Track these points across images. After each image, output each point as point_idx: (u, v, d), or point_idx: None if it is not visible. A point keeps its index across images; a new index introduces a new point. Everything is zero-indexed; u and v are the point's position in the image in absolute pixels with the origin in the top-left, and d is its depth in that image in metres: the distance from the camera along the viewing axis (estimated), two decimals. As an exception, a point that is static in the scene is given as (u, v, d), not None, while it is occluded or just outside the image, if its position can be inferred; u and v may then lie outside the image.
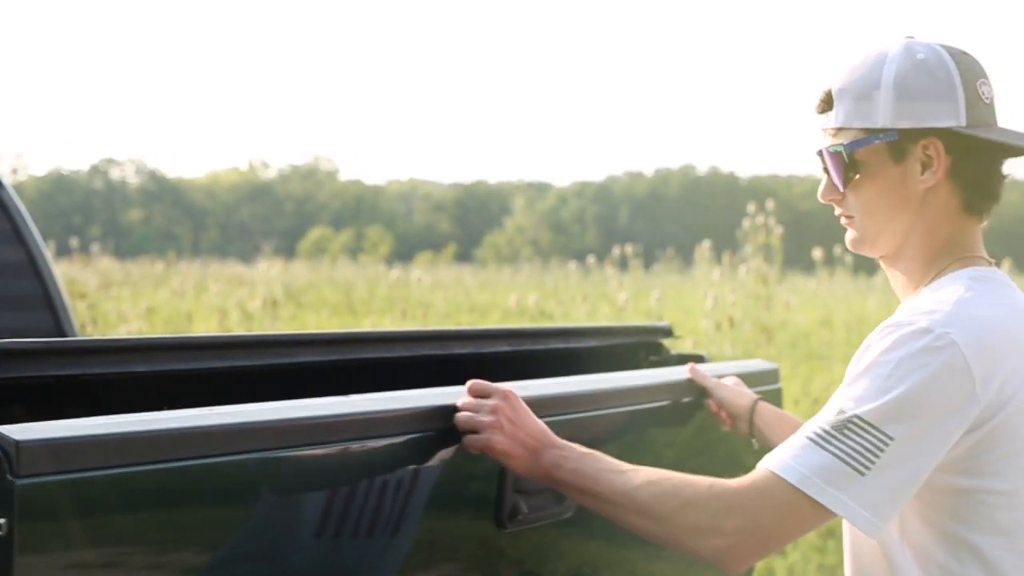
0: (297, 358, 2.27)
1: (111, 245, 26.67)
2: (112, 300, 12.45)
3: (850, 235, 2.04)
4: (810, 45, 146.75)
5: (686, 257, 20.19)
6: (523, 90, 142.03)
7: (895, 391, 1.78)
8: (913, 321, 1.84)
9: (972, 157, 1.96)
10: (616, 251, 9.38)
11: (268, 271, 18.45)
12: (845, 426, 1.79)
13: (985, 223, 2.03)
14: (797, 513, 1.80)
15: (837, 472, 1.77)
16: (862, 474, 1.77)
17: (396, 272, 14.49)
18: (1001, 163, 2.00)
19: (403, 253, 41.95)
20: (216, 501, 1.66)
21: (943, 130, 1.93)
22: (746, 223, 7.72)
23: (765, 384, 2.83)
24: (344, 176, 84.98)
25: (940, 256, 1.99)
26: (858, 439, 1.78)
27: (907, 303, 1.98)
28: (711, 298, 7.70)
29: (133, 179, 70.58)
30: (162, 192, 69.52)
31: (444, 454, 1.97)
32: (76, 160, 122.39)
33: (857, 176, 1.98)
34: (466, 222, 74.25)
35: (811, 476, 1.78)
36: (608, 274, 11.38)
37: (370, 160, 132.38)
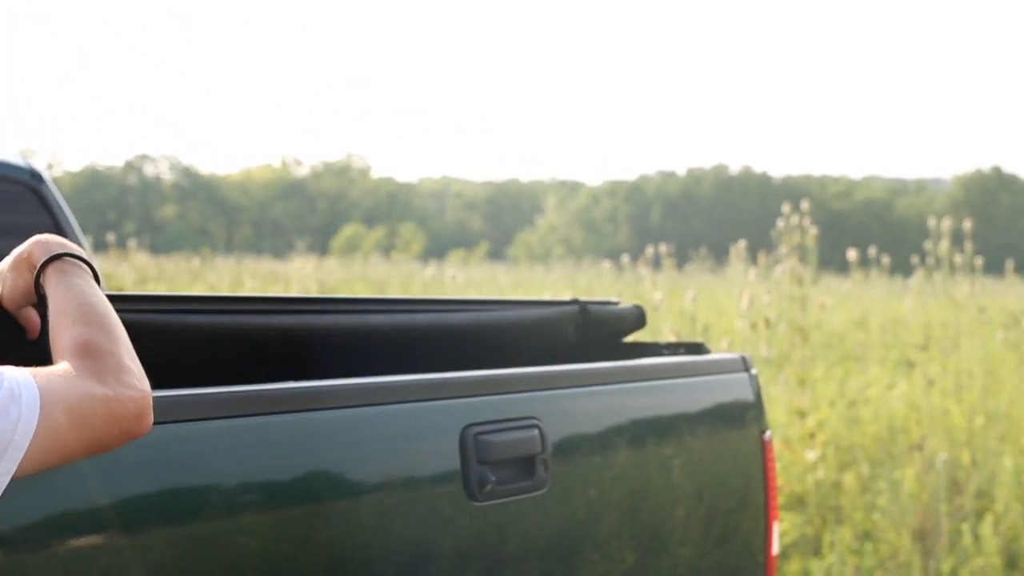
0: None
1: (146, 241, 26.81)
2: (148, 295, 12.51)
3: None
4: (845, 46, 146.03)
5: (719, 257, 20.09)
6: (555, 88, 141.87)
7: None
8: None
9: None
10: (650, 250, 9.37)
11: (303, 268, 18.50)
12: None
13: None
14: None
15: None
16: None
17: (431, 270, 14.51)
18: None
19: (435, 251, 42.02)
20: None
21: None
22: (780, 223, 7.67)
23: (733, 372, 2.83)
24: (376, 173, 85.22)
25: None
26: None
27: None
28: (746, 298, 7.67)
29: (167, 175, 71.00)
30: (196, 188, 69.86)
31: (403, 427, 2.02)
32: (111, 156, 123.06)
33: None
34: (498, 220, 74.25)
35: None
36: (642, 273, 11.35)
37: (402, 157, 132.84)
